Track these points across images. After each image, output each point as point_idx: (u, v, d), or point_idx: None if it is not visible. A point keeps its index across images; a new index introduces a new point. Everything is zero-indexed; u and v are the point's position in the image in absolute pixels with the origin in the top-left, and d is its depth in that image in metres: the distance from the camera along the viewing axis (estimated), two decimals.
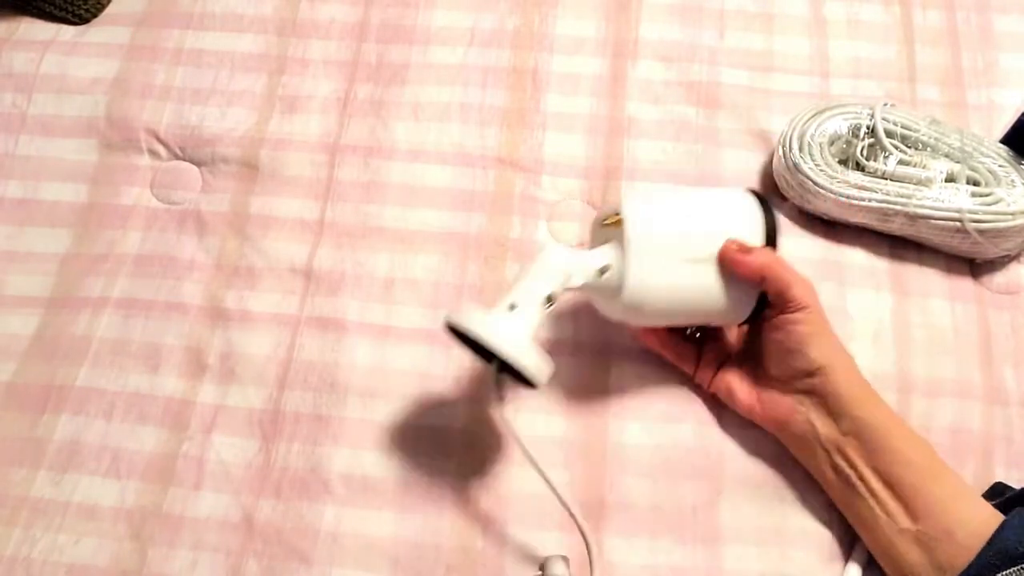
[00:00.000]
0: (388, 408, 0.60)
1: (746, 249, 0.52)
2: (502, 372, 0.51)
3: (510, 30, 0.74)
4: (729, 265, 0.52)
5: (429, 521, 0.56)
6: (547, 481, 0.52)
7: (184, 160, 0.70)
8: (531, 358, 0.48)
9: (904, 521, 0.50)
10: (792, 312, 0.52)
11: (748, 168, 0.68)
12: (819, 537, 0.55)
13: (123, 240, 0.67)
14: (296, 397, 0.60)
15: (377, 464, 0.58)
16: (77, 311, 0.64)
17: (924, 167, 0.62)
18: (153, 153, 0.70)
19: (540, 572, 0.53)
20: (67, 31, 0.75)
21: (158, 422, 0.60)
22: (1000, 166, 0.62)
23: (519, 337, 0.48)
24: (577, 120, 0.70)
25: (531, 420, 0.59)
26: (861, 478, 0.51)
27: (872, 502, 0.51)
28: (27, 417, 0.60)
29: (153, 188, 0.69)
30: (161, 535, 0.56)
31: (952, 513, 0.49)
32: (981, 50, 0.73)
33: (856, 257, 0.64)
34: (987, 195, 0.61)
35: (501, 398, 0.52)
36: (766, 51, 0.73)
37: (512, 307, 0.49)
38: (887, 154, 0.62)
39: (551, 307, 0.51)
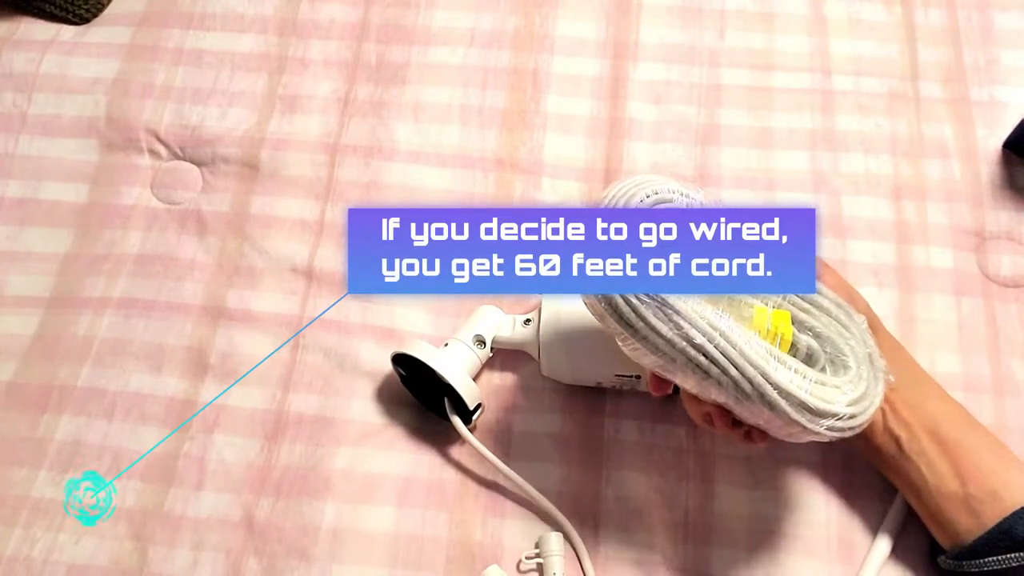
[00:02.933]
0: (391, 408, 0.60)
1: None
2: (443, 398, 0.56)
3: (510, 31, 0.74)
4: None
5: (428, 515, 0.57)
6: (513, 478, 0.56)
7: (184, 160, 0.70)
8: (457, 376, 0.55)
9: (953, 483, 0.50)
10: None
11: (749, 167, 0.68)
12: (811, 543, 0.55)
13: (124, 240, 0.67)
14: (300, 399, 0.60)
15: (378, 460, 0.58)
16: (78, 311, 0.64)
17: None
18: (153, 153, 0.70)
19: (536, 549, 0.55)
20: (67, 31, 0.75)
21: (160, 422, 0.60)
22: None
23: (450, 360, 0.56)
24: (577, 121, 0.70)
25: (529, 417, 0.60)
26: (913, 437, 0.52)
27: (922, 464, 0.51)
28: (28, 417, 0.60)
29: (153, 188, 0.69)
30: (162, 535, 0.56)
31: (997, 474, 0.50)
32: (983, 48, 0.73)
33: (861, 254, 0.64)
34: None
35: (455, 413, 0.57)
36: (767, 50, 0.73)
37: (447, 344, 0.59)
38: None
39: (486, 350, 0.58)
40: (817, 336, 0.48)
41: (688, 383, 0.46)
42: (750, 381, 0.43)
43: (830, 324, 0.48)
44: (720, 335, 0.43)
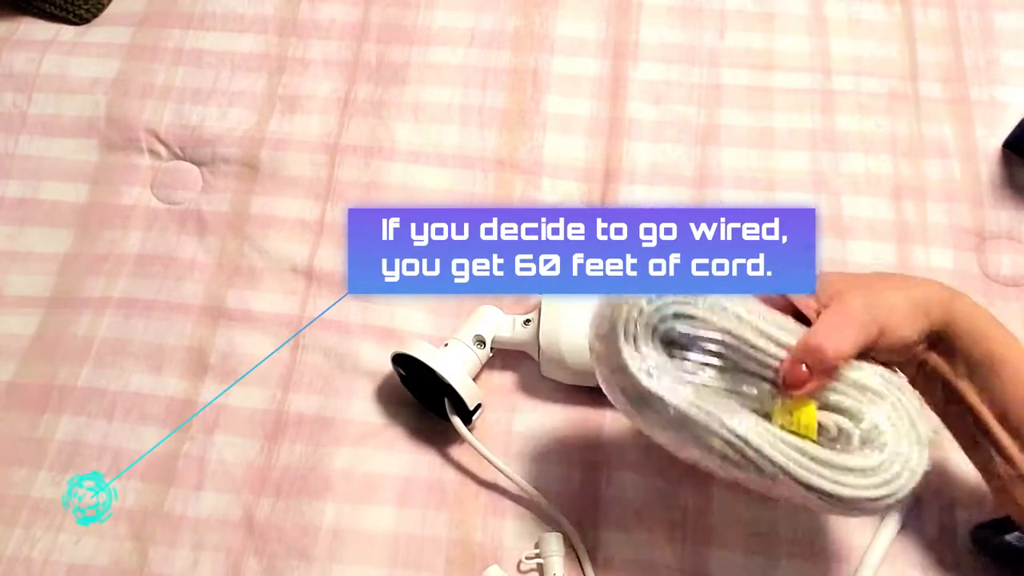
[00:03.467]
0: (391, 408, 0.60)
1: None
2: (443, 398, 0.56)
3: (510, 31, 0.74)
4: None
5: (428, 515, 0.57)
6: (511, 477, 0.56)
7: (184, 160, 0.70)
8: (457, 377, 0.55)
9: (1021, 465, 0.49)
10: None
11: (749, 167, 0.68)
12: (809, 544, 0.55)
13: (124, 240, 0.67)
14: (300, 399, 0.60)
15: (378, 460, 0.58)
16: (78, 311, 0.64)
17: None
18: (153, 153, 0.70)
19: (536, 550, 0.55)
20: (67, 31, 0.75)
21: (160, 422, 0.60)
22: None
23: (450, 360, 0.56)
24: (577, 121, 0.70)
25: (529, 417, 0.60)
26: (979, 420, 0.50)
27: (988, 445, 0.50)
28: (28, 417, 0.60)
29: (153, 188, 0.69)
30: (162, 535, 0.56)
31: None
32: (983, 48, 0.73)
33: (861, 254, 0.64)
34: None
35: (455, 413, 0.57)
36: (766, 50, 0.73)
37: (447, 344, 0.59)
38: None
39: (486, 350, 0.59)
40: (846, 412, 0.46)
41: (703, 463, 0.46)
42: (774, 477, 0.43)
43: (861, 399, 0.46)
44: (742, 441, 0.43)
